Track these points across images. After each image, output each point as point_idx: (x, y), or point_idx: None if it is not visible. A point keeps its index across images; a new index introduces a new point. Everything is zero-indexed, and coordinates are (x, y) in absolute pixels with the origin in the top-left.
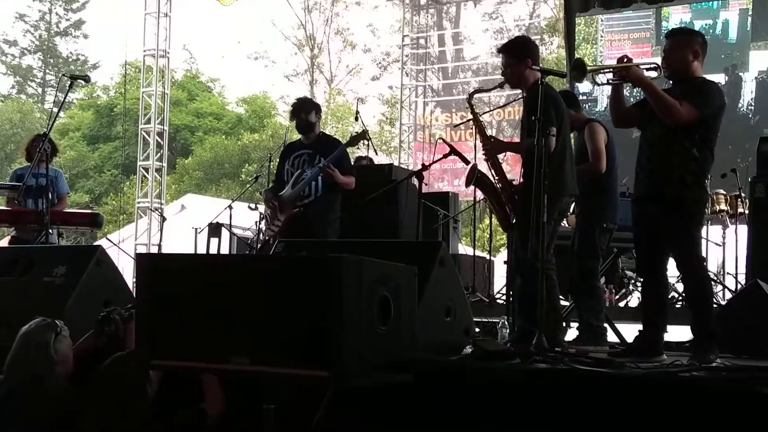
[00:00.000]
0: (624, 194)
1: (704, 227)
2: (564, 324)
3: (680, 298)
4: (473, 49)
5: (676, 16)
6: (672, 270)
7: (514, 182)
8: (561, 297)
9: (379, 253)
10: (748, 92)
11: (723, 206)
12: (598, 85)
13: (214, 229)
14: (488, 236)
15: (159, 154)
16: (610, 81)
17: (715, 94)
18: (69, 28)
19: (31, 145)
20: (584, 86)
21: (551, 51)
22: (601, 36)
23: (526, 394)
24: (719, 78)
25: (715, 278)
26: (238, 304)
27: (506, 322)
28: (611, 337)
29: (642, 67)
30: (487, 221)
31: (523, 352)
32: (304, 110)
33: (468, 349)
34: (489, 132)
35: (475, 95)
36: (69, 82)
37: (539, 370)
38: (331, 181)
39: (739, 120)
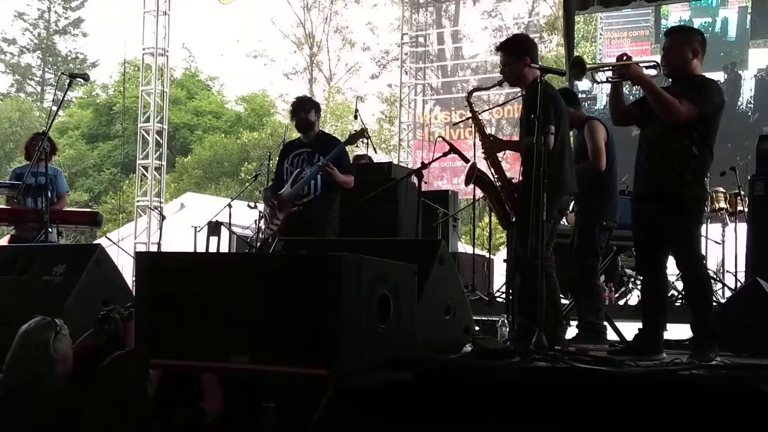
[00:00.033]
0: (623, 192)
1: (704, 225)
2: (564, 322)
3: (680, 296)
4: (472, 47)
5: (675, 14)
6: (671, 268)
7: (513, 180)
8: (561, 295)
9: (379, 252)
10: (748, 90)
11: (722, 204)
12: (598, 83)
13: (214, 228)
14: (488, 234)
15: (158, 153)
16: (610, 79)
17: (714, 92)
18: (68, 26)
19: (30, 143)
20: (583, 84)
21: (550, 49)
22: (601, 34)
23: (526, 393)
24: (718, 76)
25: (715, 276)
26: (238, 303)
27: (506, 321)
28: (611, 335)
29: (641, 65)
30: (486, 219)
31: (523, 351)
32: (304, 109)
33: (468, 348)
34: (488, 130)
35: (475, 93)
36: (68, 81)
37: (539, 369)
38: (330, 179)
39: (738, 118)
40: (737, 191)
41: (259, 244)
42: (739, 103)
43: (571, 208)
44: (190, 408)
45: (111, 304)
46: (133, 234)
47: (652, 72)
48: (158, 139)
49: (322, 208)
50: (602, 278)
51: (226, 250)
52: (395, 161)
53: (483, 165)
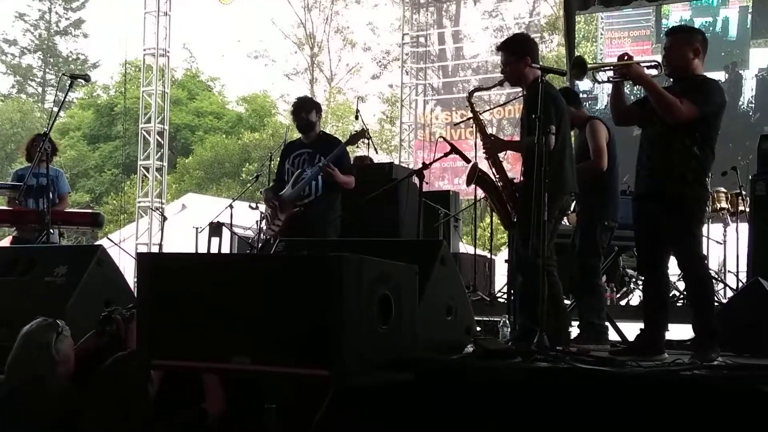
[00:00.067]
0: (625, 192)
1: (705, 225)
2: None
3: (681, 296)
4: (473, 47)
5: (676, 14)
6: (673, 268)
7: (514, 180)
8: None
9: (380, 252)
10: (749, 90)
11: (724, 204)
12: (599, 83)
13: (215, 229)
14: (489, 235)
15: (159, 154)
16: (611, 79)
17: (715, 91)
18: (69, 27)
19: (31, 144)
20: (584, 84)
21: (551, 49)
22: (601, 34)
23: (528, 393)
24: (719, 76)
25: (716, 276)
26: (239, 304)
27: (507, 321)
28: (612, 335)
29: (642, 64)
30: (487, 220)
31: (525, 351)
32: (305, 109)
33: (469, 348)
34: (489, 130)
35: (475, 93)
36: (69, 82)
37: (540, 369)
38: (331, 180)
39: (739, 118)
40: (738, 191)
41: (260, 244)
42: (740, 102)
43: (572, 208)
44: (191, 409)
45: (112, 305)
46: (135, 235)
47: (654, 72)
48: (159, 139)
49: (323, 209)
50: (604, 278)
51: (228, 251)
52: (396, 162)
53: (484, 165)
